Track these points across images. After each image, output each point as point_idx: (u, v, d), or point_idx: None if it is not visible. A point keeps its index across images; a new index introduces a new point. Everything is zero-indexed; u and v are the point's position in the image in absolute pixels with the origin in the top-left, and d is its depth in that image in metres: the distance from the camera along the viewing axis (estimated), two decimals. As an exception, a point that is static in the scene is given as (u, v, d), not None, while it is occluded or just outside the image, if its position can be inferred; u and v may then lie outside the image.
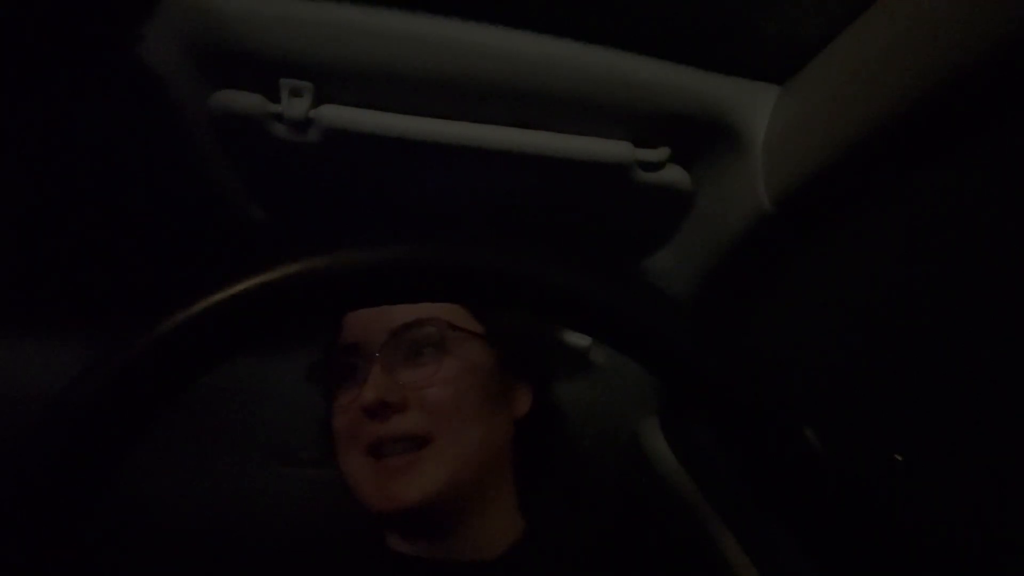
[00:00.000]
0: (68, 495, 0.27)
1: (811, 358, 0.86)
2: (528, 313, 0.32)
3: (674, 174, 0.63)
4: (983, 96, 0.38)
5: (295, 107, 0.55)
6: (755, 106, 0.56)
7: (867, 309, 0.84)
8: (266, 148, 0.59)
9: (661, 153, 0.61)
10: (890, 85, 0.42)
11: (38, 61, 0.49)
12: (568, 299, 0.31)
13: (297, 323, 0.31)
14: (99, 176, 0.63)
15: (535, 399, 0.56)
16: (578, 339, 0.87)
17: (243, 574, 0.86)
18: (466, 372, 0.51)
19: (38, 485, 0.27)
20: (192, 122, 0.57)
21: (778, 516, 0.29)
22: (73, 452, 0.27)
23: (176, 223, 0.70)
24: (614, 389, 0.89)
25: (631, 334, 0.31)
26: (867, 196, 0.50)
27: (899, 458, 0.74)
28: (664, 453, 0.84)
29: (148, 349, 0.28)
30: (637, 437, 0.89)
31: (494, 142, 0.58)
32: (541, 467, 0.57)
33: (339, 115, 0.57)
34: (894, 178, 0.48)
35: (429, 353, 0.51)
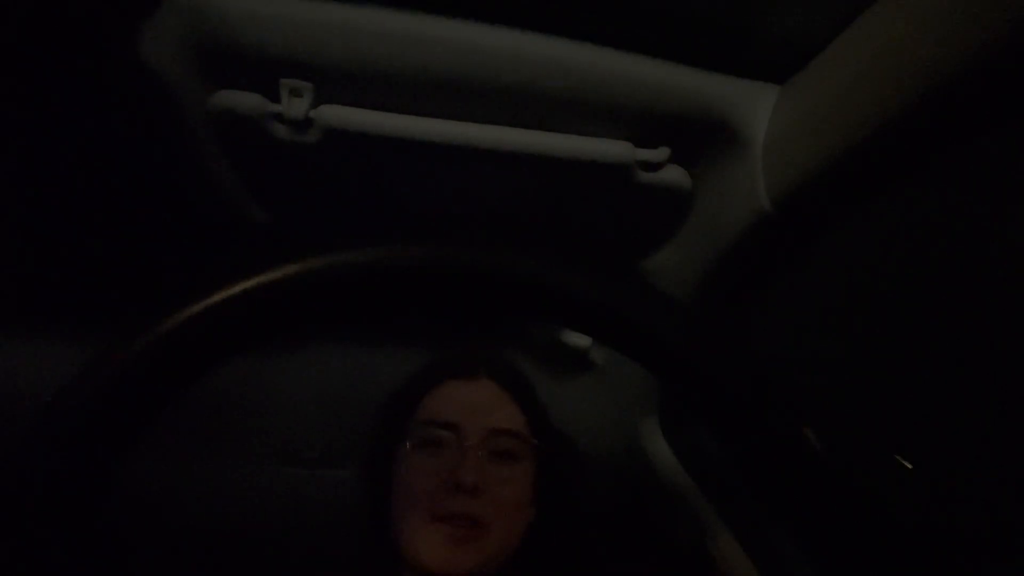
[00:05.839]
0: (67, 495, 0.27)
1: (810, 357, 0.87)
2: (529, 314, 0.32)
3: (674, 174, 0.63)
4: (982, 96, 0.38)
5: (295, 107, 0.55)
6: (755, 106, 0.56)
7: (866, 308, 0.84)
8: (266, 148, 0.59)
9: (661, 153, 0.61)
10: (890, 85, 0.42)
11: (39, 61, 0.49)
12: (568, 299, 0.31)
13: (297, 323, 0.31)
14: (99, 176, 0.63)
15: (538, 513, 0.65)
16: (578, 339, 0.87)
17: (244, 574, 0.86)
18: (524, 481, 0.62)
19: (38, 485, 0.27)
20: (192, 122, 0.57)
21: (778, 515, 0.29)
22: (72, 452, 0.27)
23: (176, 223, 0.70)
24: (614, 389, 0.89)
25: (630, 334, 0.31)
26: (866, 196, 0.51)
27: (907, 465, 0.74)
28: (664, 453, 0.84)
29: (148, 349, 0.28)
30: (637, 437, 0.89)
31: (494, 142, 0.58)
32: (538, 559, 0.66)
33: (339, 115, 0.56)
34: (893, 178, 0.48)
35: (508, 457, 0.61)
